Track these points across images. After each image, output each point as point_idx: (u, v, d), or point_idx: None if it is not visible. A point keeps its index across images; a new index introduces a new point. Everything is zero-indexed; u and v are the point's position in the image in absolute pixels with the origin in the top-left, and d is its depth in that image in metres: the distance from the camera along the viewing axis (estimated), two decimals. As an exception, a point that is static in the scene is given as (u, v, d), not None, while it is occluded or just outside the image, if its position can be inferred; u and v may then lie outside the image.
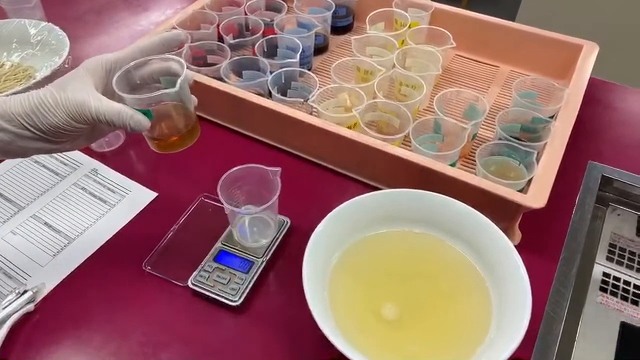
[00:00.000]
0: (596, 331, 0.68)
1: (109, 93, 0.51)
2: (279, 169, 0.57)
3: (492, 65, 0.89)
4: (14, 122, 0.47)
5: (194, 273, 0.58)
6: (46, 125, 0.48)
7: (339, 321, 0.50)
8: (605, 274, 0.74)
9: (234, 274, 0.58)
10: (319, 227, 0.53)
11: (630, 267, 0.75)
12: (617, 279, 0.74)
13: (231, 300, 0.56)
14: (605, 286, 0.73)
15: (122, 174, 0.72)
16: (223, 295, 0.56)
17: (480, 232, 0.55)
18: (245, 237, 0.61)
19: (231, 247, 0.60)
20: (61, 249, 0.62)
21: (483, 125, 0.76)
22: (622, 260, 0.76)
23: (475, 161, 0.64)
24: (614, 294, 0.73)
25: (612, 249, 0.77)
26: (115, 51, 0.53)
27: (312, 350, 0.54)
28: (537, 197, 0.57)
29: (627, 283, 0.74)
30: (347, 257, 0.56)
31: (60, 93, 0.48)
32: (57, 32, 0.84)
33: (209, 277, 0.57)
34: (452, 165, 0.64)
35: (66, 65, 0.79)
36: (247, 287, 0.57)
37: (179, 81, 0.50)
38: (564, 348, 0.59)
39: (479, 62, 0.90)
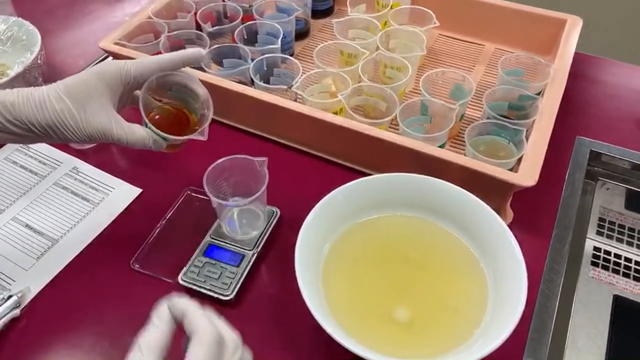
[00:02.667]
0: (589, 305, 0.68)
1: (121, 102, 0.51)
2: (265, 158, 0.56)
3: (477, 44, 0.88)
4: (24, 127, 0.46)
5: (184, 269, 0.56)
6: (61, 138, 0.48)
7: (335, 313, 0.49)
8: (596, 248, 0.75)
9: (225, 268, 0.56)
10: (309, 218, 0.52)
11: (620, 241, 0.76)
12: (607, 252, 0.75)
13: (223, 295, 0.54)
14: (597, 260, 0.73)
15: (104, 170, 0.70)
16: (215, 290, 0.55)
17: (472, 213, 0.54)
18: (234, 230, 0.60)
19: (221, 241, 0.59)
20: (45, 251, 0.60)
21: (470, 105, 0.76)
22: (612, 233, 0.77)
23: (464, 142, 0.63)
24: (605, 267, 0.73)
25: (601, 223, 0.77)
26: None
27: (308, 341, 0.53)
28: (528, 175, 0.57)
29: (617, 256, 0.74)
30: (339, 246, 0.55)
31: (80, 113, 0.47)
32: (27, 27, 0.80)
33: (199, 272, 0.56)
34: (442, 146, 0.63)
35: (39, 61, 0.76)
36: (239, 280, 0.55)
37: (205, 128, 0.52)
38: (560, 323, 0.59)
39: (463, 41, 0.89)
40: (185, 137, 0.52)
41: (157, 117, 0.52)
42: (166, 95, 0.54)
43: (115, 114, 0.49)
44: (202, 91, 0.53)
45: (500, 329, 0.45)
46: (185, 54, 0.52)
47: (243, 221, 0.61)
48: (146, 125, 0.50)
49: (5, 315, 0.54)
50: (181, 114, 0.54)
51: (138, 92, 0.51)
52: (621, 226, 0.77)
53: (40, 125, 0.46)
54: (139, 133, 0.50)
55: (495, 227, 0.52)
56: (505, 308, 0.47)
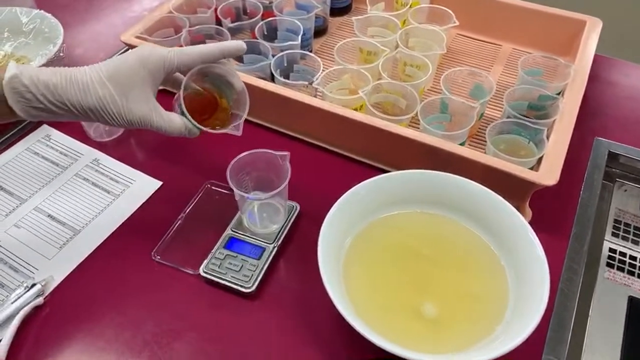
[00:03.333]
0: (605, 306, 0.68)
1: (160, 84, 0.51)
2: (287, 153, 0.56)
3: (494, 44, 0.88)
4: (65, 108, 0.47)
5: (205, 261, 0.57)
6: (100, 120, 0.48)
7: (356, 307, 0.50)
8: (611, 250, 0.75)
9: (246, 261, 0.57)
10: (332, 211, 0.52)
11: (635, 243, 0.76)
12: (623, 254, 0.75)
13: (245, 287, 0.55)
14: (612, 262, 0.74)
15: (125, 163, 0.70)
16: (236, 282, 0.55)
17: (493, 211, 0.54)
18: (255, 223, 0.60)
19: (241, 234, 0.59)
20: (67, 240, 0.61)
21: (488, 104, 0.76)
22: (628, 235, 0.77)
23: (482, 140, 0.64)
24: (620, 269, 0.73)
25: (617, 224, 0.78)
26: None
27: (328, 334, 0.53)
28: (549, 175, 0.57)
29: (633, 258, 0.74)
30: (359, 241, 0.56)
31: (122, 100, 0.47)
32: (49, 19, 0.81)
33: (220, 264, 0.57)
34: (462, 145, 0.64)
35: (61, 54, 0.77)
36: (260, 273, 0.56)
37: (240, 123, 0.54)
38: (577, 323, 0.59)
39: (481, 40, 0.89)
40: (220, 131, 0.53)
41: (188, 98, 0.53)
42: (201, 80, 0.54)
43: (155, 102, 0.50)
44: (239, 85, 0.54)
45: (522, 326, 0.45)
46: (226, 46, 0.52)
47: (263, 215, 0.61)
48: (183, 114, 0.51)
49: (28, 303, 0.54)
50: (211, 97, 0.54)
51: (174, 75, 0.52)
52: (637, 228, 0.77)
53: (82, 108, 0.47)
54: (177, 122, 0.50)
55: (517, 225, 0.52)
56: (527, 306, 0.48)
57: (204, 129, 0.52)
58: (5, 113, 0.46)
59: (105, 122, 0.48)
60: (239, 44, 0.52)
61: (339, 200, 0.53)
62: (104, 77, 0.47)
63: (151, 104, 0.49)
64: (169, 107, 0.53)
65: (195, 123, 0.51)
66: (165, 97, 0.54)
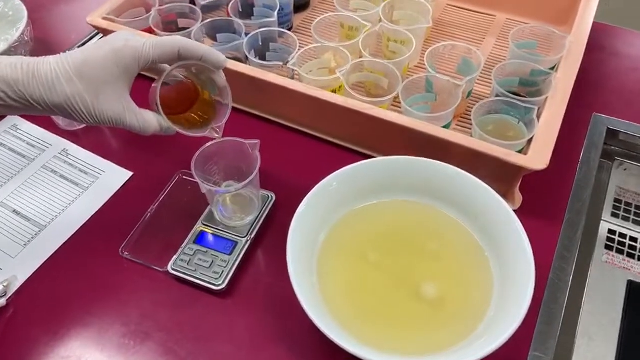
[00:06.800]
0: (602, 291, 0.65)
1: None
2: (257, 141, 0.53)
3: (487, 14, 0.83)
4: (28, 104, 0.43)
5: (174, 257, 0.54)
6: (68, 118, 0.45)
7: (330, 305, 0.47)
8: (610, 231, 0.71)
9: (217, 256, 0.54)
10: (300, 209, 0.49)
11: (636, 223, 0.72)
12: (622, 235, 0.71)
13: (215, 285, 0.52)
14: (611, 244, 0.70)
15: (95, 153, 0.67)
16: (206, 279, 0.52)
17: (477, 199, 0.51)
18: (226, 216, 0.57)
19: (213, 228, 0.56)
20: (32, 237, 0.58)
21: (479, 80, 0.71)
22: (628, 215, 0.73)
23: (471, 121, 0.59)
24: (620, 251, 0.70)
25: (617, 204, 0.74)
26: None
27: (301, 330, 0.50)
28: (538, 158, 0.53)
29: (633, 239, 0.71)
30: (335, 235, 0.52)
31: (93, 101, 0.43)
32: (13, 2, 0.77)
33: (190, 260, 0.54)
34: (447, 126, 0.60)
35: (26, 38, 0.73)
36: (231, 269, 0.53)
37: (221, 126, 0.51)
38: (570, 311, 0.56)
39: (473, 11, 0.84)
40: (198, 135, 0.50)
41: (166, 89, 0.49)
42: (182, 68, 0.50)
43: (129, 100, 0.46)
44: (221, 81, 0.50)
45: (505, 324, 0.42)
46: (208, 52, 0.47)
47: (236, 207, 0.58)
48: (159, 112, 0.48)
49: (-9, 305, 0.52)
50: (192, 86, 0.51)
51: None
52: (638, 207, 0.73)
53: (47, 105, 0.43)
54: (152, 122, 0.47)
55: (502, 214, 0.48)
56: (511, 304, 0.44)
57: (181, 130, 0.49)
58: None
59: (72, 119, 0.44)
60: (220, 57, 0.48)
61: (308, 196, 0.49)
62: (72, 72, 0.42)
63: (124, 103, 0.45)
64: (144, 97, 0.49)
65: (171, 125, 0.48)
66: (142, 83, 0.51)
